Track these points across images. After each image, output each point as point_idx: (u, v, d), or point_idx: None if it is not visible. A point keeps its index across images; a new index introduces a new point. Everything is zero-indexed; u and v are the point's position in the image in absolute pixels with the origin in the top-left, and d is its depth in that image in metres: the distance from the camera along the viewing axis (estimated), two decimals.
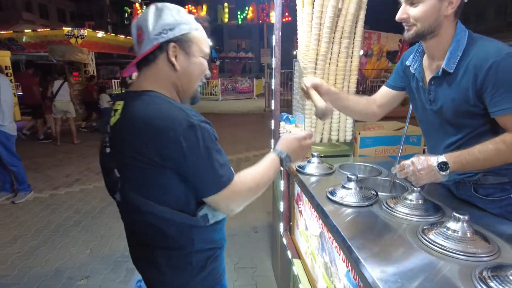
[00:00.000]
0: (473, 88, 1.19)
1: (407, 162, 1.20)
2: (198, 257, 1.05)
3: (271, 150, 1.15)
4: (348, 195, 1.38)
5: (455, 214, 1.05)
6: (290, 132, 2.11)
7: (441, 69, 1.25)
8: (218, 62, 21.11)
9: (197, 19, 1.03)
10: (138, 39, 0.99)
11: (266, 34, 15.11)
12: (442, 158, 1.16)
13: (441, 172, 1.15)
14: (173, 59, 0.98)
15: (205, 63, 1.07)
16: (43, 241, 3.29)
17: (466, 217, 1.04)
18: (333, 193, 1.42)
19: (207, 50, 1.06)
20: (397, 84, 1.55)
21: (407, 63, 1.43)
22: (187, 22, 0.99)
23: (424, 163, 1.16)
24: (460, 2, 1.17)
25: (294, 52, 2.36)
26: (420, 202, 1.30)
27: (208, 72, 1.10)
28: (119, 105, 0.99)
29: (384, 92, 1.61)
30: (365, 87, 12.21)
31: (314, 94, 1.43)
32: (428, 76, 1.35)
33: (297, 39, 2.22)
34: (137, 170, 0.93)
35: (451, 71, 1.22)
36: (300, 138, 1.18)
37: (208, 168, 0.93)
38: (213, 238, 1.09)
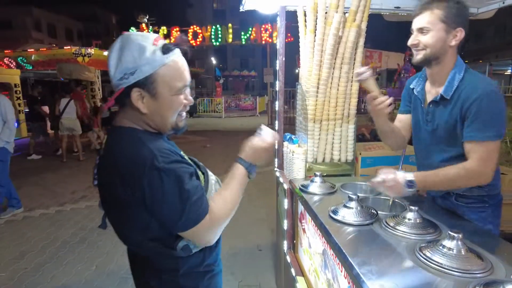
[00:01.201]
0: (460, 115, 1.38)
1: (381, 176, 1.37)
2: (187, 280, 1.07)
3: (237, 159, 1.13)
4: (350, 214, 1.45)
5: (450, 232, 1.12)
6: (293, 152, 2.19)
7: (439, 95, 1.44)
8: (221, 81, 21.42)
9: (166, 49, 0.92)
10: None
11: (269, 53, 15.44)
12: (410, 176, 1.34)
13: (408, 188, 1.34)
14: (137, 104, 0.94)
15: (178, 99, 0.99)
16: (50, 257, 3.33)
17: (460, 236, 1.11)
18: (335, 212, 1.49)
19: (179, 84, 0.97)
20: (408, 107, 1.70)
21: (411, 86, 1.63)
22: (149, 62, 0.90)
23: (394, 179, 1.34)
24: (462, 37, 1.38)
25: (296, 71, 2.48)
26: (417, 221, 1.37)
27: (186, 102, 1.02)
28: (105, 137, 1.04)
29: (400, 119, 1.75)
30: (365, 105, 12.34)
31: (372, 84, 1.51)
32: (428, 98, 1.53)
33: (298, 58, 2.34)
34: (113, 204, 0.99)
35: (448, 97, 1.41)
36: (255, 141, 1.14)
37: (175, 209, 0.92)
38: (203, 262, 1.10)
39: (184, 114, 1.06)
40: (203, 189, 1.02)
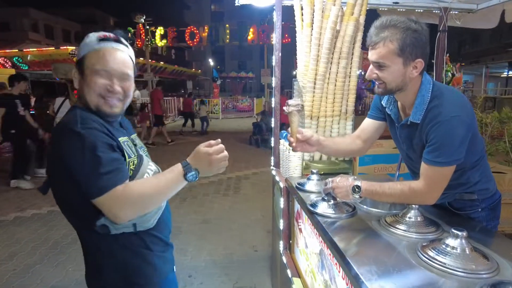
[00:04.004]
0: (425, 137, 1.33)
1: (330, 180, 1.44)
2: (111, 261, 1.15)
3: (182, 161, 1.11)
4: (328, 207, 1.50)
5: (453, 230, 1.06)
6: (290, 149, 2.12)
7: (409, 121, 1.38)
8: (219, 82, 21.39)
9: (100, 39, 1.11)
10: None
11: (267, 54, 15.40)
12: (358, 182, 1.36)
13: (354, 194, 1.36)
14: (74, 79, 1.15)
15: (96, 79, 1.10)
16: (40, 259, 3.24)
17: (464, 234, 1.05)
18: (314, 205, 1.52)
19: (98, 66, 1.09)
20: (379, 115, 1.64)
21: (383, 103, 1.55)
22: (84, 46, 1.12)
23: (343, 183, 1.38)
24: (423, 65, 1.30)
25: (294, 73, 2.42)
26: (418, 219, 1.32)
27: (110, 88, 1.11)
28: None
29: (367, 124, 1.68)
30: (364, 106, 12.35)
31: (295, 121, 1.49)
32: (402, 116, 1.48)
33: (296, 60, 2.28)
34: (52, 176, 1.12)
35: (418, 122, 1.35)
36: (211, 152, 1.09)
37: (86, 173, 1.01)
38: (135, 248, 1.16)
39: (111, 101, 1.13)
40: (123, 164, 1.07)
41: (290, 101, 1.48)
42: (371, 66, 1.34)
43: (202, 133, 11.61)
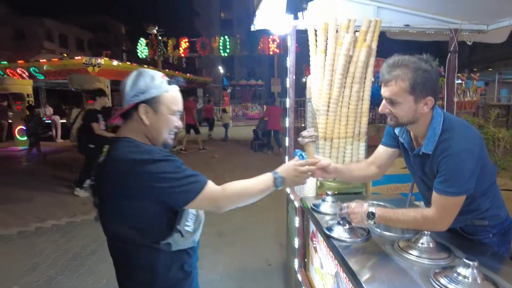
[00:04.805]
0: (436, 167, 1.40)
1: (345, 205, 1.51)
2: (163, 280, 1.23)
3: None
4: (343, 231, 1.57)
5: (465, 260, 1.13)
6: None
7: (421, 152, 1.45)
8: (229, 90, 21.59)
9: (170, 82, 1.25)
10: (122, 97, 1.26)
11: (276, 63, 15.52)
12: (372, 209, 1.43)
13: (368, 220, 1.43)
14: (143, 116, 1.21)
15: (173, 118, 1.27)
16: (61, 270, 3.36)
17: (475, 263, 1.11)
18: (329, 229, 1.60)
19: (175, 107, 1.26)
20: (392, 142, 1.71)
21: (396, 132, 1.62)
22: (157, 87, 1.21)
23: (358, 210, 1.45)
24: (434, 102, 1.38)
25: (303, 80, 2.51)
26: (431, 245, 1.38)
27: (178, 125, 1.30)
28: (106, 147, 1.23)
29: (381, 151, 1.76)
30: (374, 114, 12.32)
31: (311, 151, 1.59)
32: (415, 145, 1.56)
33: (306, 67, 2.37)
34: (113, 200, 1.16)
35: (430, 153, 1.42)
36: (297, 164, 1.37)
37: (177, 186, 1.13)
38: (180, 264, 1.27)
39: (173, 134, 1.31)
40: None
41: (304, 133, 1.56)
42: (384, 101, 1.43)
43: (224, 140, 12.59)
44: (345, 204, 1.53)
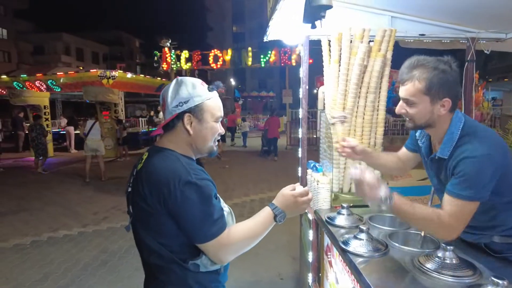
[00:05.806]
0: (451, 170, 1.34)
1: (357, 171, 1.31)
2: None
3: (269, 204, 1.23)
4: (360, 245, 1.49)
5: (493, 278, 1.05)
6: (318, 181, 2.15)
7: (437, 157, 1.40)
8: (241, 102, 21.73)
9: (210, 88, 1.20)
10: (163, 107, 1.21)
11: (288, 75, 15.58)
12: (390, 194, 1.27)
13: (382, 202, 1.27)
14: (187, 126, 1.17)
15: (217, 125, 1.23)
16: (72, 280, 3.35)
17: (505, 282, 1.04)
18: (346, 243, 1.53)
19: (218, 113, 1.23)
20: (413, 146, 1.66)
21: (416, 135, 1.59)
22: (199, 95, 1.17)
23: (373, 182, 1.27)
24: (451, 104, 1.32)
25: (315, 91, 2.49)
26: (454, 261, 1.30)
27: (221, 131, 1.26)
28: (145, 155, 1.20)
29: (403, 152, 1.73)
30: (388, 125, 12.19)
31: (338, 131, 1.56)
32: (433, 149, 1.50)
33: (318, 78, 2.35)
34: (144, 211, 1.12)
35: (446, 157, 1.36)
36: (296, 195, 1.21)
37: (199, 221, 1.07)
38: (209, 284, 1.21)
39: (217, 141, 1.28)
40: (223, 211, 1.16)
41: (334, 113, 1.54)
42: (401, 102, 1.40)
43: (244, 146, 13.83)
44: (358, 165, 1.44)
